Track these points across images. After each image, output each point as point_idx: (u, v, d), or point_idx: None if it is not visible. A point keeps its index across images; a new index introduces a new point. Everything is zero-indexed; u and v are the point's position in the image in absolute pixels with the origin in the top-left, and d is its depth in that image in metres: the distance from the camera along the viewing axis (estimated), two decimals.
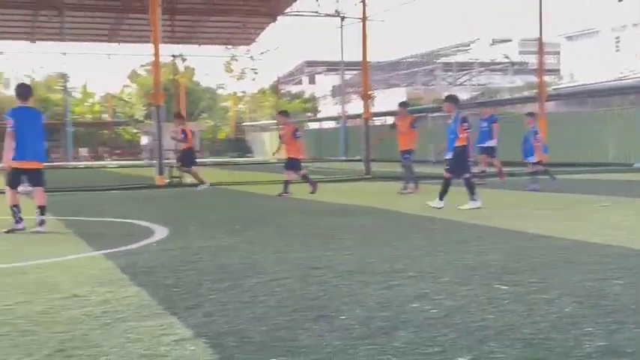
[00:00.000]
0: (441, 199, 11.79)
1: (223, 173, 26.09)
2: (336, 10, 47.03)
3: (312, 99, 75.26)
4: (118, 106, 69.61)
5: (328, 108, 70.69)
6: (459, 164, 11.80)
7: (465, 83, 70.16)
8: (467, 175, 11.85)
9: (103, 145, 60.80)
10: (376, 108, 48.53)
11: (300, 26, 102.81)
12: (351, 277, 5.93)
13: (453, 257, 6.82)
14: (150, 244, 8.18)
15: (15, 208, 9.73)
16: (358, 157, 30.69)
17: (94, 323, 4.56)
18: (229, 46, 59.41)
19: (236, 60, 61.37)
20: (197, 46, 56.73)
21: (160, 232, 9.24)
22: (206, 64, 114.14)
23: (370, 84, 29.33)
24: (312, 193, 15.80)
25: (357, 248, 7.53)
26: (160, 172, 20.68)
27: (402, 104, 17.27)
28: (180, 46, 53.66)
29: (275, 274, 6.11)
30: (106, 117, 66.53)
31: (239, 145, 64.42)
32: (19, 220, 9.66)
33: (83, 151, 55.72)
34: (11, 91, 64.11)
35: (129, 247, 7.97)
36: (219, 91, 74.02)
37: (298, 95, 75.48)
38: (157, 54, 21.85)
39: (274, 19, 50.04)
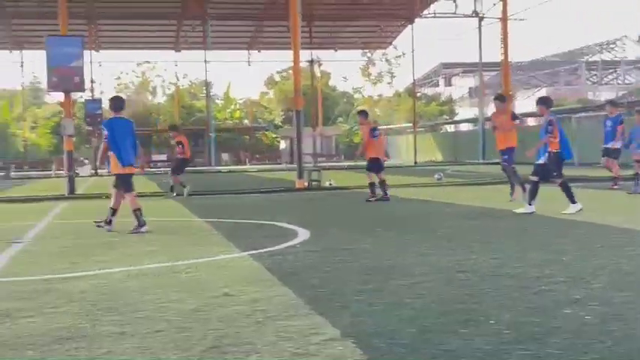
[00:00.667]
0: (529, 203, 11.41)
1: (359, 176, 26.20)
2: (474, 11, 46.31)
3: (449, 101, 74.38)
4: (258, 111, 71.48)
5: (465, 110, 69.65)
6: (554, 169, 11.38)
7: (611, 82, 67.24)
8: (561, 180, 11.38)
9: (244, 149, 62.57)
10: (517, 109, 47.40)
11: (437, 28, 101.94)
12: (497, 281, 5.81)
13: (605, 262, 6.55)
14: (294, 246, 8.34)
15: (138, 212, 10.25)
16: (497, 160, 29.97)
17: (245, 321, 4.69)
18: (366, 51, 59.75)
19: (373, 64, 61.60)
20: (333, 51, 57.45)
21: (303, 234, 9.40)
22: (342, 68, 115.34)
23: (511, 84, 28.61)
24: (375, 200, 15.01)
25: (502, 252, 7.36)
26: (300, 176, 21.04)
27: (498, 97, 15.47)
28: (316, 51, 54.45)
29: (419, 276, 6.08)
30: (246, 122, 68.48)
31: None
32: (143, 224, 10.17)
33: (225, 156, 57.56)
34: (158, 99, 67.28)
35: (274, 248, 8.16)
36: (356, 95, 74.61)
37: (434, 98, 74.83)
38: (296, 60, 22.27)
39: (411, 22, 49.85)
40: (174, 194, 18.48)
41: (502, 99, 15.28)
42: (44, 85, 52.44)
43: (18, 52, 54.39)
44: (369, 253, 7.62)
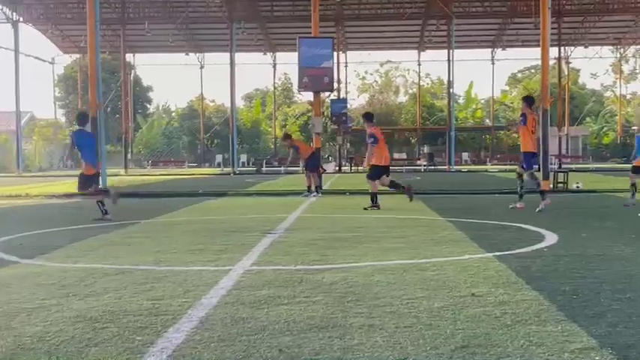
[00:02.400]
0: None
1: (608, 179, 24.78)
2: None
3: None
4: (499, 110, 70.00)
5: None
6: None
7: None
8: None
9: (484, 149, 61.59)
10: None
11: None
12: None
13: None
14: (541, 249, 8.06)
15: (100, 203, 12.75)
16: None
17: (494, 323, 4.61)
18: (618, 47, 56.32)
19: (626, 60, 57.92)
20: (583, 47, 54.84)
21: (550, 238, 9.06)
22: (592, 65, 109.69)
23: None
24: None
25: None
26: (545, 177, 20.30)
27: (527, 99, 14.43)
28: (564, 48, 52.24)
29: None
30: (487, 122, 67.34)
31: (626, 150, 60.63)
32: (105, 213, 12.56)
33: (465, 155, 57.07)
34: (400, 98, 68.08)
35: (520, 250, 7.95)
36: (607, 94, 70.56)
37: None
38: (545, 57, 21.49)
39: None
40: (313, 194, 18.84)
41: (531, 101, 14.36)
42: (295, 85, 55.16)
43: (270, 53, 57.82)
44: (625, 260, 7.16)
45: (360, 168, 43.41)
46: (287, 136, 21.47)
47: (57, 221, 12.60)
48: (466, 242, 8.89)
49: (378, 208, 14.09)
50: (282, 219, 12.34)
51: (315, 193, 19.01)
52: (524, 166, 13.91)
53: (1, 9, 45.63)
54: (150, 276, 6.57)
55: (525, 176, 14.01)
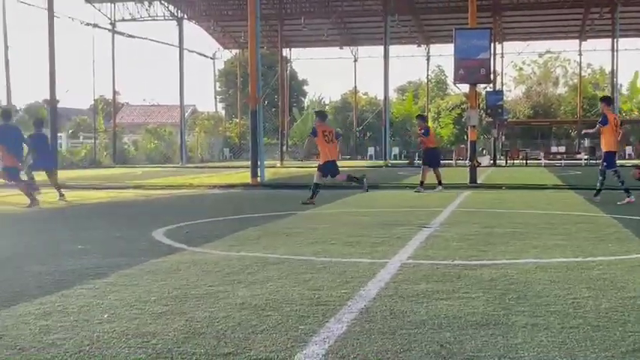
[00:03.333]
0: None
1: None
2: None
3: None
4: None
5: None
6: None
7: None
8: None
9: None
10: None
11: None
12: None
13: None
14: None
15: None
16: None
17: None
18: None
19: None
20: None
21: None
22: None
23: None
24: None
25: None
26: None
27: (605, 99, 15.05)
28: None
29: None
30: None
31: None
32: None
33: (628, 149, 54.16)
34: (560, 90, 65.61)
35: None
36: None
37: None
38: None
39: None
40: (438, 190, 17.98)
41: (609, 101, 15.20)
42: (450, 77, 54.47)
43: (424, 45, 57.35)
44: None
45: (514, 162, 42.33)
46: (422, 117, 20.54)
47: (219, 211, 13.13)
48: (633, 241, 8.46)
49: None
50: (437, 213, 12.24)
51: (420, 189, 18.16)
52: (606, 164, 14.38)
53: (167, 7, 47.96)
54: (309, 266, 6.71)
55: (611, 175, 14.43)
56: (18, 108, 45.05)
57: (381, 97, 52.22)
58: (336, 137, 14.24)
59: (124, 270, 6.60)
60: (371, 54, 56.92)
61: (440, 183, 18.29)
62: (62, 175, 23.06)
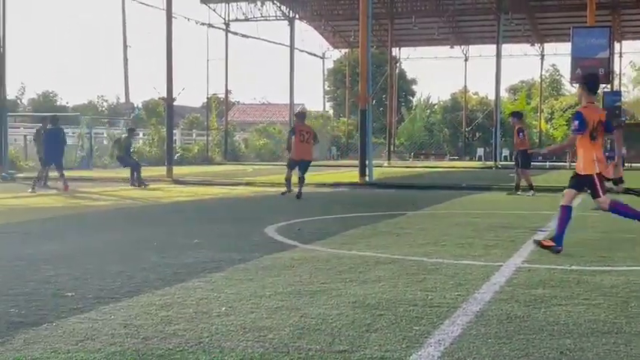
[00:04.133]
0: None
1: None
2: None
3: None
4: None
5: None
6: None
7: None
8: None
9: None
10: None
11: None
12: None
13: None
14: None
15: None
16: None
17: None
18: None
19: None
20: None
21: None
22: None
23: None
24: None
25: None
26: None
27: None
28: None
29: None
30: None
31: None
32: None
33: None
34: None
35: None
36: None
37: None
38: None
39: None
40: (529, 192, 16.97)
41: None
42: (564, 77, 52.86)
43: (538, 44, 55.91)
44: None
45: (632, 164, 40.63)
46: (519, 115, 19.09)
47: (328, 209, 13.23)
48: None
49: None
50: (550, 216, 11.89)
51: (520, 192, 17.30)
52: None
53: (279, 7, 48.68)
54: (421, 267, 6.67)
55: None
56: (136, 105, 46.74)
57: (491, 96, 51.37)
58: (313, 139, 16.06)
59: (239, 265, 6.74)
60: (482, 53, 56.00)
61: (518, 188, 17.52)
62: (176, 170, 23.83)
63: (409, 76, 70.36)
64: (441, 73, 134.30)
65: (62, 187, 17.46)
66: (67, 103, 58.43)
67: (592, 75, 8.99)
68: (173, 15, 26.09)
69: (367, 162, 22.21)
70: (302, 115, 17.19)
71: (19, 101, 57.91)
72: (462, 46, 57.10)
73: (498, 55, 43.79)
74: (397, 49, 57.26)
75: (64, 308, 4.91)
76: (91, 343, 4.07)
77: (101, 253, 7.59)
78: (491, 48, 47.61)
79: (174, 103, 25.45)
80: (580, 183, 7.84)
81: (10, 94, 44.76)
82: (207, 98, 50.03)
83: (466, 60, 58.02)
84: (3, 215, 12.41)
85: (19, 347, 3.97)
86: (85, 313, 4.78)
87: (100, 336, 4.20)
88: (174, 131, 33.35)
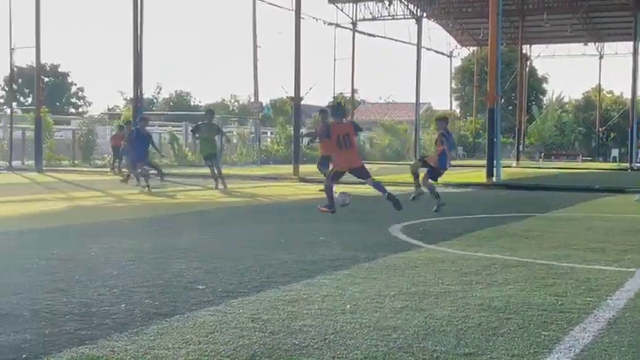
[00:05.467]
0: None
1: None
2: None
3: None
4: None
5: None
6: None
7: None
8: None
9: None
10: None
11: None
12: None
13: None
14: None
15: None
16: None
17: None
18: None
19: None
20: None
21: None
22: None
23: None
24: None
25: None
26: None
27: None
28: None
29: None
30: None
31: None
32: None
33: None
34: None
35: None
36: None
37: None
38: None
39: None
40: None
41: None
42: None
43: None
44: None
45: None
46: None
47: (453, 209, 13.04)
48: None
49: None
50: None
51: None
52: None
53: (407, 5, 48.45)
54: (550, 271, 6.48)
55: None
56: (265, 104, 47.74)
57: (627, 95, 49.13)
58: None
59: (363, 263, 6.78)
60: (618, 50, 53.73)
61: None
62: (304, 169, 24.20)
63: (540, 73, 68.39)
64: (573, 70, 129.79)
65: (221, 185, 17.74)
66: (200, 102, 60.53)
67: None
68: (301, 15, 26.48)
69: (495, 162, 21.77)
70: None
71: (154, 100, 60.52)
72: (597, 44, 54.99)
73: (635, 53, 41.85)
74: (528, 46, 55.77)
75: (195, 301, 5.09)
76: (220, 335, 4.20)
77: (230, 248, 7.81)
78: (627, 45, 45.61)
79: (301, 102, 25.82)
80: None
81: (147, 93, 46.78)
82: (333, 97, 50.47)
83: (601, 57, 55.86)
84: (140, 210, 13.02)
85: (152, 337, 4.15)
86: (215, 306, 4.94)
87: (229, 329, 4.34)
88: (301, 130, 33.83)
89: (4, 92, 65.85)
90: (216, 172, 18.00)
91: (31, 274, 6.04)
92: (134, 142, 17.61)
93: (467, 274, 6.25)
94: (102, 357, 3.76)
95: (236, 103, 59.48)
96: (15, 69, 33.68)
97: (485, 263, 6.84)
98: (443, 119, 13.19)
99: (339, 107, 13.21)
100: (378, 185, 11.78)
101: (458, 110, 69.17)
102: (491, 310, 4.89)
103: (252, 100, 42.94)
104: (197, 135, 18.89)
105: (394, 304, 5.03)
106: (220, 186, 17.64)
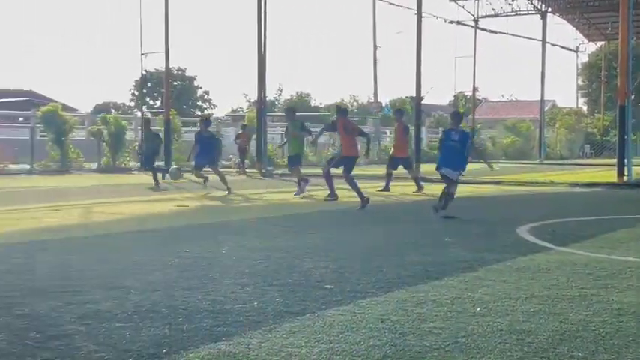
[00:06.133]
0: None
1: None
2: None
3: None
4: None
5: None
6: None
7: None
8: None
9: None
10: None
11: None
12: None
13: None
14: None
15: None
16: None
17: None
18: None
19: None
20: None
21: None
22: None
23: None
24: None
25: None
26: None
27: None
28: None
29: None
30: None
31: None
32: None
33: None
34: None
35: None
36: None
37: None
38: None
39: None
40: None
41: None
42: None
43: None
44: None
45: None
46: None
47: (583, 210, 12.65)
48: None
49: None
50: None
51: None
52: None
53: (531, 1, 47.21)
54: None
55: None
56: (384, 104, 47.69)
57: None
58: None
59: (491, 265, 6.66)
60: None
61: None
62: (424, 168, 23.98)
63: None
64: None
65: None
66: (321, 103, 61.21)
67: None
68: (422, 14, 26.29)
69: (626, 161, 20.87)
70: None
71: (276, 102, 61.68)
72: None
73: None
74: None
75: (324, 300, 5.15)
76: (351, 335, 4.23)
77: (355, 248, 7.86)
78: None
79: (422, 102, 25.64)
80: None
81: (269, 94, 47.66)
82: (454, 96, 49.88)
83: None
84: (266, 210, 13.30)
85: (285, 334, 4.23)
86: (344, 305, 4.98)
87: (359, 329, 4.36)
88: (421, 129, 33.56)
89: (133, 97, 68.89)
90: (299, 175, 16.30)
91: (167, 272, 6.29)
92: (198, 144, 16.96)
93: (601, 278, 6.03)
94: (238, 353, 3.87)
95: (355, 103, 59.77)
96: (145, 72, 35.05)
97: (620, 266, 6.58)
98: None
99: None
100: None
101: (585, 107, 66.82)
102: (630, 316, 4.70)
103: (372, 100, 43.03)
104: (285, 139, 19.30)
105: (526, 308, 4.92)
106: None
